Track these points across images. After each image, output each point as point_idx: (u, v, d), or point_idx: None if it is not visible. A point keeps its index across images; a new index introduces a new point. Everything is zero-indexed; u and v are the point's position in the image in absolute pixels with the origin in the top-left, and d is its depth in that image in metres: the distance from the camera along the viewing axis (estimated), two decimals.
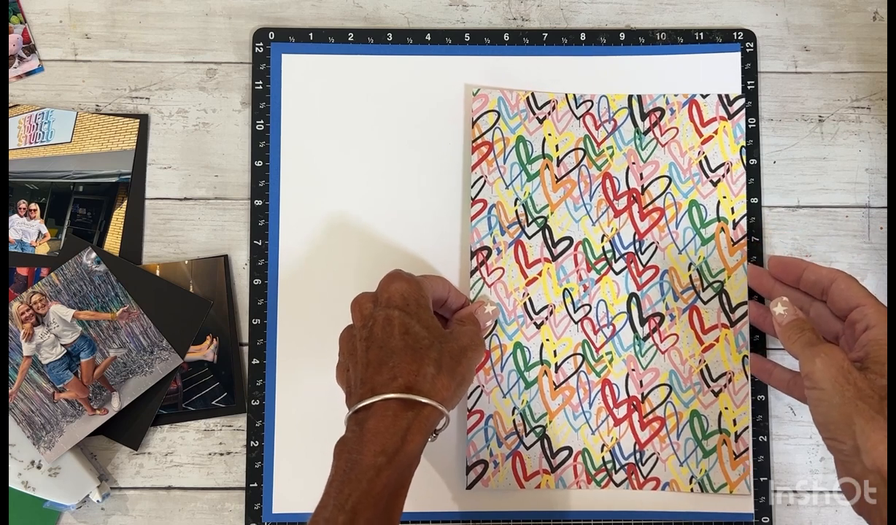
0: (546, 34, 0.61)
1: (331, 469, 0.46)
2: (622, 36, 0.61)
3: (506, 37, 0.61)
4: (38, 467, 0.56)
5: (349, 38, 0.60)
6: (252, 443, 0.58)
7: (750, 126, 0.60)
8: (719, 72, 0.60)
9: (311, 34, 0.60)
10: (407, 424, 0.46)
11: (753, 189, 0.59)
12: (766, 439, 0.58)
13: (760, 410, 0.58)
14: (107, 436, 0.58)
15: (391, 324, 0.49)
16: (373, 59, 0.60)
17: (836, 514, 0.58)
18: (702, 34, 0.61)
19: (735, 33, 0.61)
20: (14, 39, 0.60)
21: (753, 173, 0.60)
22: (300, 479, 0.58)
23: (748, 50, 0.61)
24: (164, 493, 0.58)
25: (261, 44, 0.60)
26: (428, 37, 0.61)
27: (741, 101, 0.60)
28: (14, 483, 0.56)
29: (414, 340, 0.48)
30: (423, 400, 0.46)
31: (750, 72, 0.60)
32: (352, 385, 0.49)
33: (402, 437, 0.45)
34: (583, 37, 0.61)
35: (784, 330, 0.51)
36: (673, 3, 0.62)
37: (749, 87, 0.60)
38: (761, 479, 0.58)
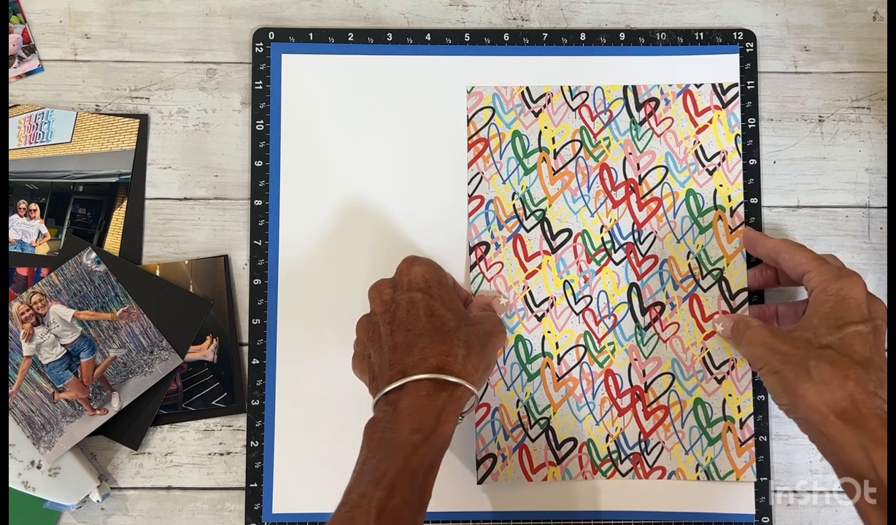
0: (546, 34, 0.61)
1: (361, 450, 0.46)
2: (622, 36, 0.61)
3: (506, 37, 0.61)
4: (38, 467, 0.56)
5: (349, 38, 0.61)
6: (252, 443, 0.58)
7: (750, 126, 0.60)
8: (719, 72, 0.60)
9: (311, 34, 0.61)
10: (441, 404, 0.46)
11: (753, 189, 0.60)
12: (766, 439, 0.58)
13: (760, 410, 0.58)
14: (107, 436, 0.58)
15: (415, 306, 0.49)
16: (373, 59, 0.60)
17: (836, 514, 0.58)
18: (702, 34, 0.61)
19: (735, 33, 0.61)
20: (14, 39, 0.60)
21: (753, 173, 0.60)
22: (300, 479, 0.58)
23: (748, 50, 0.61)
24: (164, 493, 0.58)
25: (261, 44, 0.60)
26: (428, 37, 0.61)
27: (735, 90, 0.60)
28: (14, 483, 0.56)
29: (441, 322, 0.48)
30: (457, 380, 0.46)
31: (750, 72, 0.60)
32: (377, 370, 0.49)
33: (437, 417, 0.46)
34: (583, 37, 0.61)
35: (731, 340, 0.55)
36: (673, 3, 0.62)
37: (749, 87, 0.60)
38: (761, 479, 0.58)
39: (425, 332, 0.48)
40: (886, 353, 0.48)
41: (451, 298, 0.51)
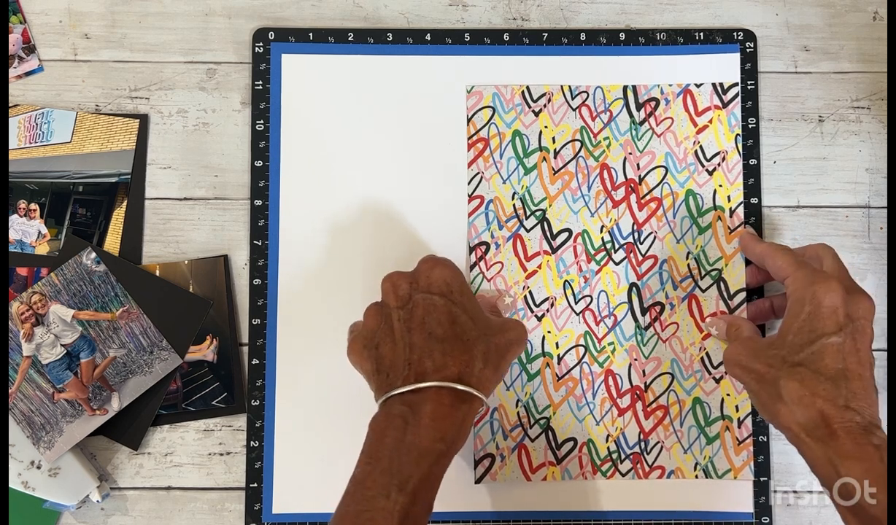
0: (546, 34, 0.61)
1: (370, 443, 0.46)
2: (622, 36, 0.61)
3: (506, 37, 0.61)
4: (38, 467, 0.56)
5: (349, 38, 0.61)
6: (252, 443, 0.58)
7: (750, 126, 0.60)
8: (719, 71, 0.60)
9: (311, 34, 0.61)
10: (463, 415, 0.46)
11: (753, 189, 0.60)
12: (766, 439, 0.58)
13: None
14: (107, 436, 0.58)
15: (436, 310, 0.48)
16: (373, 59, 0.60)
17: (836, 514, 0.58)
18: (702, 34, 0.61)
19: (735, 33, 0.61)
20: (14, 39, 0.60)
21: (753, 173, 0.60)
22: (300, 479, 0.58)
23: (748, 50, 0.61)
24: (163, 494, 0.58)
25: (261, 44, 0.60)
26: (428, 37, 0.61)
27: (735, 90, 0.60)
28: (14, 483, 0.56)
29: (462, 331, 0.48)
30: (476, 393, 0.47)
31: (750, 72, 0.60)
32: (387, 363, 0.48)
33: (458, 427, 0.46)
34: (583, 37, 0.61)
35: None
36: (673, 3, 0.62)
37: (749, 87, 0.60)
38: (761, 479, 0.58)
39: (447, 339, 0.47)
40: (872, 354, 0.48)
41: (472, 306, 0.50)
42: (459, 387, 0.46)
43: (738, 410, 0.58)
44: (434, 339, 0.47)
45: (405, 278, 0.50)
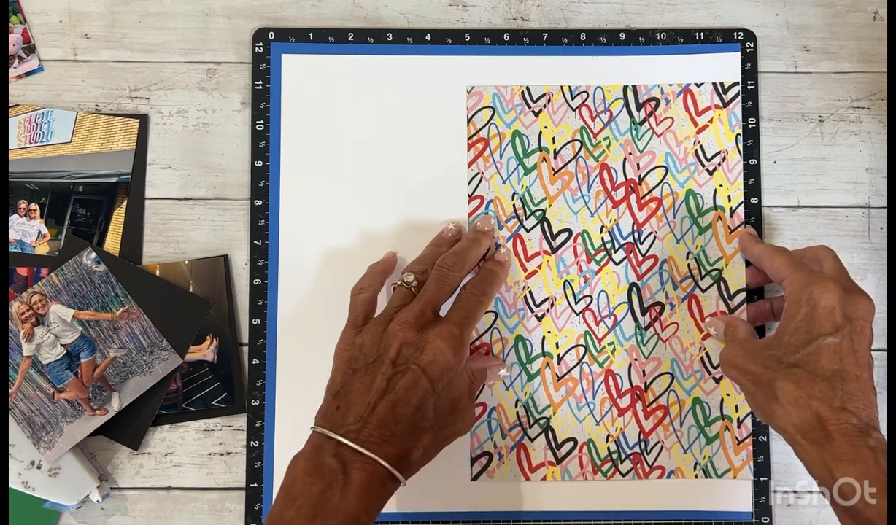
0: (546, 34, 0.61)
1: (293, 481, 0.46)
2: (622, 36, 0.61)
3: (506, 37, 0.61)
4: (38, 467, 0.56)
5: (349, 38, 0.61)
6: (252, 443, 0.58)
7: (750, 126, 0.60)
8: (720, 71, 0.60)
9: (311, 34, 0.61)
10: (387, 494, 0.47)
11: (753, 189, 0.60)
12: (765, 439, 0.58)
13: None
14: (107, 436, 0.58)
15: (415, 392, 0.48)
16: (373, 59, 0.60)
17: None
18: (702, 34, 0.61)
19: (735, 33, 0.61)
20: (14, 39, 0.60)
21: (753, 173, 0.60)
22: None
23: (748, 50, 0.61)
24: (163, 494, 0.58)
25: (261, 44, 0.60)
26: (428, 37, 0.61)
27: (736, 89, 0.60)
28: (14, 483, 0.56)
29: (420, 418, 0.48)
30: (403, 481, 0.47)
31: (750, 72, 0.60)
32: (346, 399, 0.48)
33: (381, 504, 0.46)
34: (583, 37, 0.61)
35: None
36: (673, 3, 0.62)
37: (749, 87, 0.60)
38: (761, 479, 0.58)
39: (402, 420, 0.47)
40: (872, 353, 0.48)
41: (445, 396, 0.50)
42: (391, 470, 0.46)
43: (737, 410, 0.58)
44: (394, 416, 0.47)
45: (414, 329, 0.49)
